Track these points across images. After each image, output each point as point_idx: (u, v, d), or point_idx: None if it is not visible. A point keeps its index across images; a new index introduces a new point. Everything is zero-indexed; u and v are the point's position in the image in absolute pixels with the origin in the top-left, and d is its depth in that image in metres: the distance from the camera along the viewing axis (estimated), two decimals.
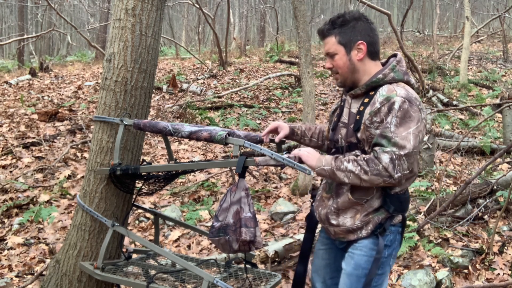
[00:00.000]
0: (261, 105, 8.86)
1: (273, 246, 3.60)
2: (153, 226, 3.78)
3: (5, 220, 4.35)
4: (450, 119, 8.31)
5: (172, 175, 2.38)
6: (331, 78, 11.28)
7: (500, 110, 6.66)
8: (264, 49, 16.48)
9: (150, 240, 3.24)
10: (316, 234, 2.29)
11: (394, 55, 2.01)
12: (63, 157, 5.71)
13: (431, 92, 9.57)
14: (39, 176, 5.26)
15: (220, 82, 10.72)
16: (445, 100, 9.09)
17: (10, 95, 9.09)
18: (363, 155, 1.85)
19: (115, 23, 2.48)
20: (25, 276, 3.48)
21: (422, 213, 4.27)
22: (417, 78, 9.87)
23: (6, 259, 3.71)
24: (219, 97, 9.26)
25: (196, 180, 5.41)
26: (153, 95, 7.08)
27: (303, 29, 5.06)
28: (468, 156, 6.47)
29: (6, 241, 3.97)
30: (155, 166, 2.40)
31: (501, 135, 7.11)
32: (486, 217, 4.33)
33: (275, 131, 2.23)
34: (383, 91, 1.86)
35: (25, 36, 14.77)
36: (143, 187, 2.46)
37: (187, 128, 2.22)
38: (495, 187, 4.59)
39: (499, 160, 5.75)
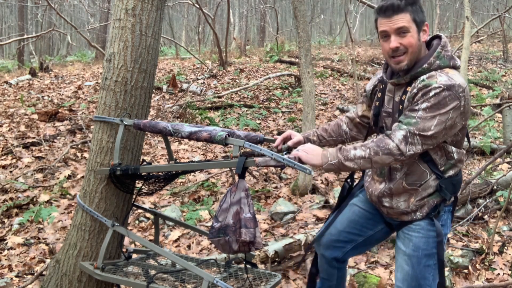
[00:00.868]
0: (261, 105, 8.86)
1: (273, 246, 3.60)
2: (153, 226, 3.78)
3: (5, 220, 4.35)
4: None
5: (172, 175, 2.38)
6: (331, 78, 11.27)
7: (500, 110, 6.66)
8: (264, 49, 16.49)
9: (150, 240, 3.24)
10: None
11: (438, 37, 1.95)
12: (63, 157, 5.71)
13: None
14: (39, 176, 5.26)
15: (220, 82, 10.72)
16: None
17: (10, 95, 9.09)
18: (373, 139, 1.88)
19: (115, 23, 2.48)
20: (25, 276, 3.48)
21: None
22: None
23: (6, 259, 3.71)
24: (219, 97, 9.26)
25: (196, 180, 5.41)
26: (153, 95, 7.08)
27: (303, 29, 5.06)
28: (468, 156, 6.47)
29: (6, 241, 3.97)
30: (155, 166, 2.40)
31: (501, 135, 7.11)
32: (486, 217, 4.33)
33: (288, 138, 2.23)
34: (424, 76, 1.84)
35: (25, 36, 14.77)
36: (143, 187, 2.46)
37: (187, 128, 2.22)
38: (495, 187, 4.59)
39: (499, 160, 5.75)
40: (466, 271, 3.58)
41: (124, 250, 2.58)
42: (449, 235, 4.00)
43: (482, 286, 3.38)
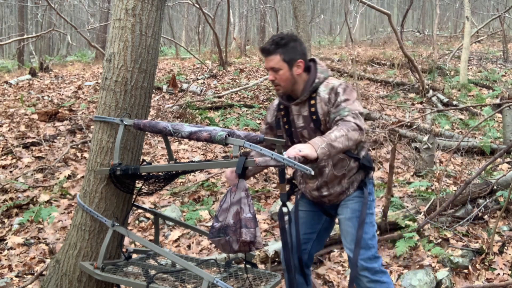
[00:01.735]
0: (261, 105, 8.85)
1: (273, 246, 3.60)
2: (153, 226, 3.78)
3: (5, 220, 4.35)
4: (450, 119, 8.31)
5: (172, 175, 2.38)
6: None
7: (500, 110, 6.66)
8: None
9: (150, 240, 3.24)
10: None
11: (313, 60, 2.45)
12: (63, 157, 5.71)
13: (431, 92, 9.57)
14: (39, 176, 5.26)
15: (220, 82, 10.72)
16: (445, 100, 9.10)
17: (10, 95, 9.09)
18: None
19: (115, 23, 2.48)
20: (25, 276, 3.48)
21: (422, 213, 4.27)
22: (417, 78, 9.87)
23: (6, 259, 3.71)
24: (219, 97, 9.25)
25: (196, 180, 5.41)
26: (153, 95, 7.08)
27: (303, 29, 5.07)
28: (468, 156, 6.47)
29: (6, 241, 3.97)
30: (155, 166, 2.40)
31: (501, 135, 7.11)
32: (486, 217, 4.33)
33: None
34: (322, 87, 2.35)
35: (25, 36, 14.77)
36: (143, 187, 2.46)
37: (187, 128, 2.22)
38: (495, 187, 4.59)
39: (499, 160, 5.75)
40: (466, 271, 3.59)
41: (124, 250, 2.58)
42: (449, 235, 4.02)
43: (482, 286, 3.38)
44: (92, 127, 6.93)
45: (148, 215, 4.47)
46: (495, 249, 3.81)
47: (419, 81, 9.77)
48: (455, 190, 4.78)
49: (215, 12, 15.95)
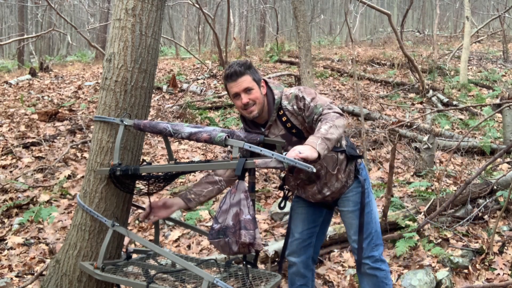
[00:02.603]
0: None
1: (273, 246, 3.60)
2: (153, 226, 3.78)
3: (5, 220, 4.35)
4: (450, 119, 8.31)
5: (172, 176, 2.38)
6: (331, 78, 11.29)
7: (500, 110, 6.66)
8: (264, 49, 16.47)
9: (150, 240, 3.24)
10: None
11: (264, 81, 2.49)
12: (63, 157, 5.71)
13: (431, 92, 9.57)
14: (39, 176, 5.26)
15: (220, 82, 10.72)
16: (445, 100, 9.09)
17: (10, 95, 9.09)
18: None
19: (115, 23, 2.48)
20: (25, 276, 3.48)
21: (422, 213, 4.27)
22: (417, 78, 9.87)
23: (6, 259, 3.71)
24: (219, 97, 9.25)
25: (196, 180, 5.41)
26: (153, 95, 7.07)
27: (303, 29, 5.07)
28: (468, 156, 6.47)
29: (6, 241, 3.97)
30: (155, 166, 2.40)
31: (501, 135, 7.11)
32: (486, 217, 4.33)
33: (162, 207, 2.47)
34: (284, 102, 2.41)
35: (25, 36, 14.77)
36: (143, 187, 2.46)
37: (187, 129, 2.21)
38: (495, 187, 4.59)
39: (499, 160, 5.75)
40: (466, 271, 3.59)
41: (124, 250, 2.58)
42: (449, 235, 4.02)
43: (482, 286, 3.38)
44: (92, 127, 6.93)
45: None
46: (495, 249, 3.81)
47: (419, 81, 9.76)
48: (455, 190, 4.78)
49: (215, 12, 15.94)
